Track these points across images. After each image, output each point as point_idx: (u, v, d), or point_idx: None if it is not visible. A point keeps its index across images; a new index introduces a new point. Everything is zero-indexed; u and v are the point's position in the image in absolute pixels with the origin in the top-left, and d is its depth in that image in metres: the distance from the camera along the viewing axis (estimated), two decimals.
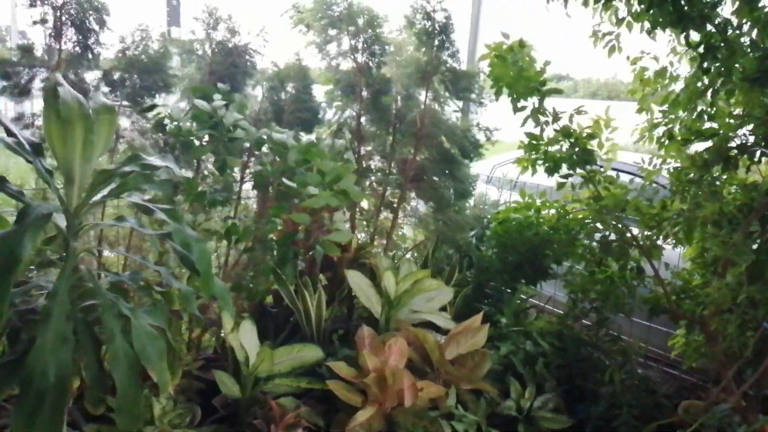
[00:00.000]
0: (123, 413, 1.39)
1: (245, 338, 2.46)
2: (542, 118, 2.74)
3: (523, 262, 3.30)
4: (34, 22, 2.66)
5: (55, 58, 2.68)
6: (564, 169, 2.82)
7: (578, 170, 2.78)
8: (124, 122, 2.88)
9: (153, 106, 2.51)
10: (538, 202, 3.36)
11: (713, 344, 2.54)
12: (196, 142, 2.44)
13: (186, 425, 2.18)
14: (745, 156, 2.45)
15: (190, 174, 2.88)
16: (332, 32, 3.33)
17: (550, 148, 2.82)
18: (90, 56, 2.77)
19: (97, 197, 1.53)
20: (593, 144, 2.78)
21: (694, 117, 2.65)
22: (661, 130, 2.81)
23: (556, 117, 2.72)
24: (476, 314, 2.87)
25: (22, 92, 2.68)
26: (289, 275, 2.44)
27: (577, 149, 2.72)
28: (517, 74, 2.65)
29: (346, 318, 3.34)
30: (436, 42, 3.38)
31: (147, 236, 1.60)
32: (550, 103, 2.74)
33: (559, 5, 2.59)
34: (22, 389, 1.27)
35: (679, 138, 2.66)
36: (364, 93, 3.41)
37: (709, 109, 2.60)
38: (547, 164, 2.83)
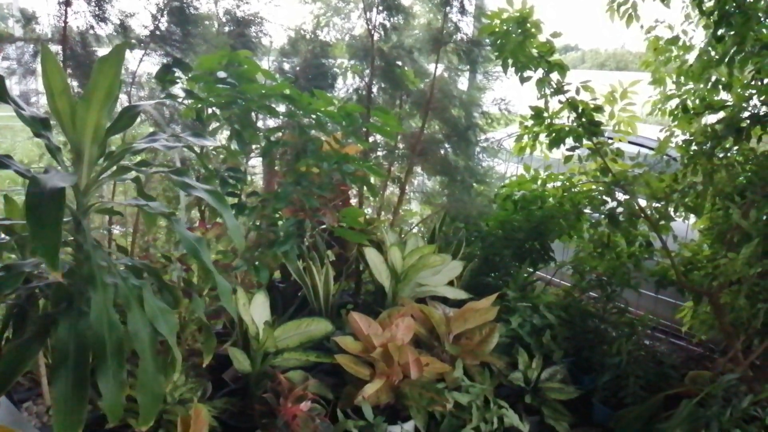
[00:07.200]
0: (144, 390, 1.36)
1: (257, 313, 2.47)
2: (547, 90, 2.70)
3: (527, 239, 3.29)
4: None
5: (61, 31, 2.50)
6: (568, 142, 2.78)
7: (585, 142, 2.75)
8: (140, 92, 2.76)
9: (170, 66, 2.17)
10: (543, 175, 3.33)
11: (721, 316, 2.54)
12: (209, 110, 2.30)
13: (198, 399, 2.21)
14: (758, 126, 2.41)
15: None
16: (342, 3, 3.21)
17: (555, 121, 2.78)
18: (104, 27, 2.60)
19: (106, 175, 1.51)
20: (602, 115, 2.74)
21: (708, 88, 2.60)
22: (674, 102, 2.77)
23: (559, 89, 2.67)
24: (483, 287, 2.86)
25: (26, 72, 2.59)
26: (291, 255, 2.38)
27: (583, 120, 2.68)
28: (519, 43, 2.59)
29: (354, 293, 3.36)
30: (454, 5, 3.17)
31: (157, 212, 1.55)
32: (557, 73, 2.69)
33: None
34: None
35: (691, 110, 2.62)
36: (377, 62, 3.22)
37: (723, 79, 2.55)
38: (550, 137, 2.79)
